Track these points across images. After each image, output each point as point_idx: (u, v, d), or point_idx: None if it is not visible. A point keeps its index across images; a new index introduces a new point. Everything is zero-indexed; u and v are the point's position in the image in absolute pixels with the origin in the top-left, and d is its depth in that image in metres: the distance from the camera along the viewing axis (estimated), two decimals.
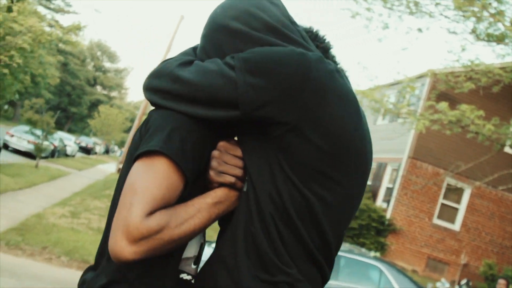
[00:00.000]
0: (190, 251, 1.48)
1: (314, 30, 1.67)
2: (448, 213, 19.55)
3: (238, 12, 1.50)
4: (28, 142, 24.22)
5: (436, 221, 19.43)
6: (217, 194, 1.43)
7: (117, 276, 1.38)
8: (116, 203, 1.39)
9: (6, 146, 24.42)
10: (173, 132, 1.34)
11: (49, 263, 7.75)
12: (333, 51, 1.67)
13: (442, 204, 19.46)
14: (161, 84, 1.46)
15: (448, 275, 18.91)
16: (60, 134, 32.98)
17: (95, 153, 51.34)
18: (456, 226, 19.59)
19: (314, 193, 1.37)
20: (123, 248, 1.21)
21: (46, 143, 23.15)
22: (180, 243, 1.33)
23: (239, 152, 1.46)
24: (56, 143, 28.91)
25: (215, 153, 1.45)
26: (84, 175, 23.68)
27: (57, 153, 29.79)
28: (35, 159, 21.59)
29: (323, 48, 1.63)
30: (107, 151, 61.63)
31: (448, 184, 19.05)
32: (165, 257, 1.38)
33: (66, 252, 8.22)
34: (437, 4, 13.26)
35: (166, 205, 1.28)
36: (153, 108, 1.50)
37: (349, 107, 1.43)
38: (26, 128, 22.97)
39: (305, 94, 1.34)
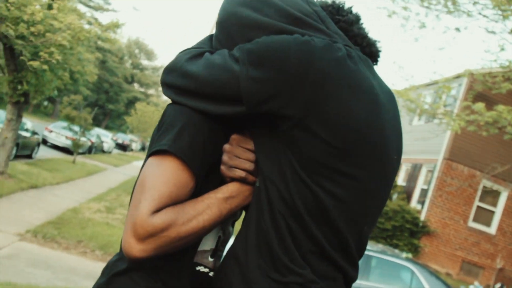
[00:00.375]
0: (207, 244, 1.48)
1: (337, 3, 1.54)
2: (484, 216, 19.21)
3: None
4: (66, 138, 24.75)
5: (472, 224, 19.11)
6: (228, 188, 1.39)
7: (136, 264, 1.40)
8: None
9: (44, 142, 24.98)
10: (183, 129, 1.34)
11: (84, 257, 7.90)
12: (362, 23, 1.53)
13: (478, 207, 19.13)
14: (172, 80, 1.43)
15: (483, 279, 18.59)
16: (97, 130, 33.58)
17: (131, 150, 51.93)
18: (492, 229, 19.23)
19: (324, 189, 1.28)
20: (131, 246, 1.23)
21: (83, 139, 23.60)
22: (191, 240, 1.32)
23: (251, 145, 1.40)
24: (93, 139, 29.44)
25: (226, 147, 1.41)
26: (120, 171, 24.00)
27: (94, 149, 30.30)
28: (72, 154, 22.01)
29: (345, 22, 1.49)
30: (143, 148, 62.27)
31: (484, 186, 18.72)
32: (181, 250, 1.37)
33: (100, 246, 8.36)
34: (475, 3, 13.03)
35: (175, 202, 1.28)
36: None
37: (362, 96, 1.31)
38: (64, 124, 23.47)
39: (307, 85, 1.25)
